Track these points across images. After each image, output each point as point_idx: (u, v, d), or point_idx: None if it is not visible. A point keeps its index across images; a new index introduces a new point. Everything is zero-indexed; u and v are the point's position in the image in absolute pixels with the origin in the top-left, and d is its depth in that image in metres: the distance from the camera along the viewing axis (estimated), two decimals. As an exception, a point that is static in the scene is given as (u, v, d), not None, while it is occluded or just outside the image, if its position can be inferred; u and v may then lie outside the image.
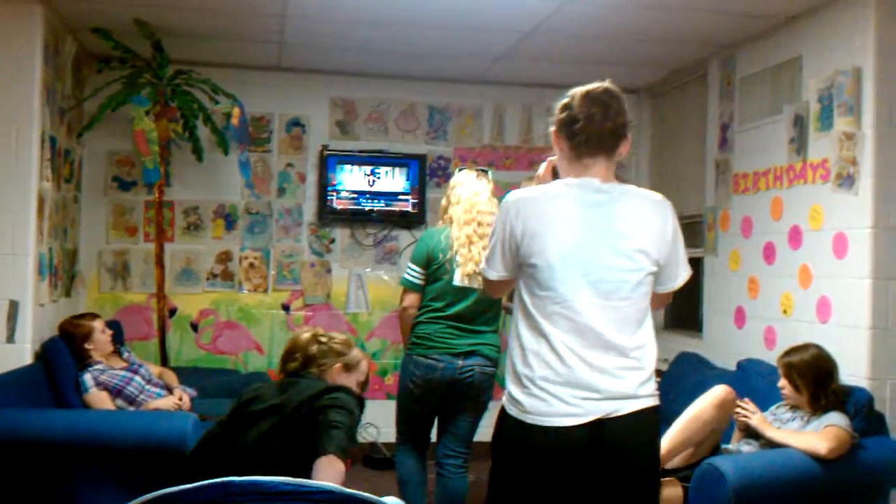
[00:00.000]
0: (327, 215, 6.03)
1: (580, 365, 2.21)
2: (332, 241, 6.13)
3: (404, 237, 6.18)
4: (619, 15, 4.65)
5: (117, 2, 4.57)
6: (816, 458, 3.53)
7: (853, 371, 4.01)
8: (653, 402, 2.30)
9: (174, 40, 5.07)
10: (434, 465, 4.04)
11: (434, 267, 3.88)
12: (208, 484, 1.76)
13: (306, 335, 3.01)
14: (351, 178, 6.02)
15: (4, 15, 4.44)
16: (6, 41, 4.45)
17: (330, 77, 6.08)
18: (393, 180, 6.08)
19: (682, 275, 2.44)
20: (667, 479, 3.66)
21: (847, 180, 4.21)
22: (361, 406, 2.79)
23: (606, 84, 2.37)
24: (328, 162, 5.99)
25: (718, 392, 3.83)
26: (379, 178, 6.06)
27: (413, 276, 3.94)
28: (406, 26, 4.91)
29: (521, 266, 2.30)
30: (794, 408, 3.88)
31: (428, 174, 6.17)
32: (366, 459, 5.87)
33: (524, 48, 5.27)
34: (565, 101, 2.37)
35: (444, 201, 4.02)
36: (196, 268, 5.92)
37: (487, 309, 3.91)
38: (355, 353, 3.06)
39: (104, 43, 4.99)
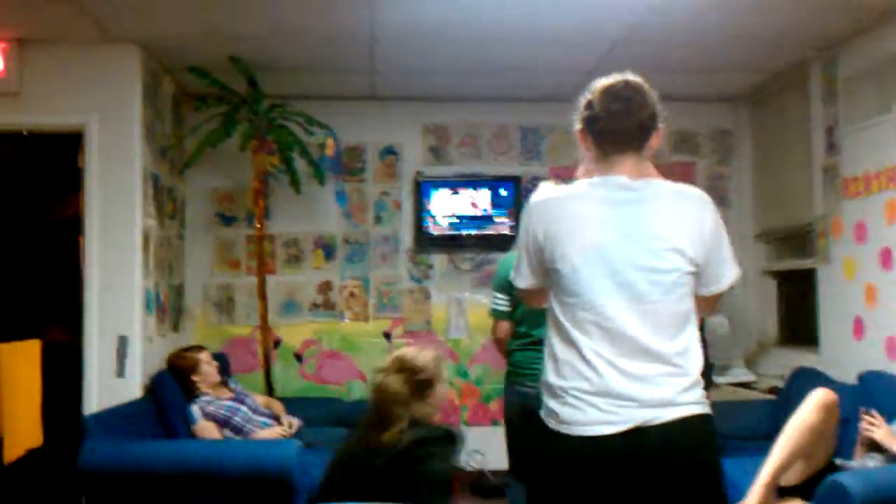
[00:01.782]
0: (425, 241, 6.04)
1: (613, 374, 2.06)
2: (431, 266, 6.12)
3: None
4: (710, 19, 4.53)
5: (212, 40, 4.70)
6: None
7: None
8: (699, 409, 2.12)
9: (268, 75, 5.17)
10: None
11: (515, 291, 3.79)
12: None
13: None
14: (446, 204, 6.02)
15: (105, 57, 4.62)
16: (107, 82, 4.62)
17: (421, 103, 6.11)
18: (488, 203, 6.04)
19: (728, 276, 2.24)
20: (787, 498, 3.49)
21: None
22: (452, 439, 2.73)
23: (627, 77, 2.22)
24: (423, 188, 6.00)
25: (818, 395, 3.62)
26: (474, 201, 6.03)
27: (499, 304, 3.86)
28: (493, 42, 4.89)
29: (548, 272, 2.18)
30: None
31: (523, 195, 6.11)
32: (474, 487, 5.78)
33: (613, 60, 5.15)
34: (587, 97, 2.23)
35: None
36: (298, 298, 5.99)
37: None
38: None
39: (201, 81, 5.13)
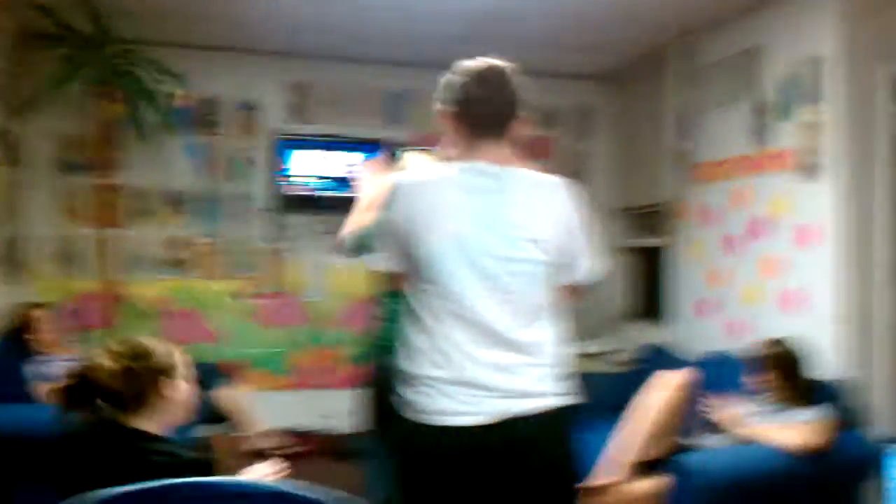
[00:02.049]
0: (281, 201, 5.89)
1: (467, 364, 2.05)
2: (286, 227, 5.98)
3: (360, 224, 6.06)
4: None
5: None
6: (791, 451, 3.51)
7: (825, 363, 3.99)
8: (559, 400, 2.13)
9: (122, 18, 4.84)
10: None
11: None
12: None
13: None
14: (305, 164, 5.88)
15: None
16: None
17: (283, 59, 5.91)
18: (348, 166, 5.95)
19: (586, 267, 2.24)
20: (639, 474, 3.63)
21: (810, 169, 4.20)
22: None
23: (492, 60, 2.20)
24: (281, 146, 5.84)
25: (678, 376, 3.81)
26: (333, 164, 5.93)
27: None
28: (362, 3, 4.80)
29: (407, 258, 2.13)
30: (768, 401, 3.85)
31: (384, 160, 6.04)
32: (327, 451, 5.71)
33: (479, 32, 5.17)
34: (451, 79, 2.18)
35: None
36: (146, 254, 5.74)
37: None
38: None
39: (45, 20, 4.77)
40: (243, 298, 5.93)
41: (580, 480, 2.59)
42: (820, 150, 4.13)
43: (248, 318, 5.93)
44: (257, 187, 5.93)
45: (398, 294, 3.55)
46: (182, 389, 2.28)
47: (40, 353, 4.33)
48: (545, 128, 6.39)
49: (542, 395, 2.10)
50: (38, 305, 4.54)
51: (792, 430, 3.59)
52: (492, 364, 2.06)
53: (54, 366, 4.28)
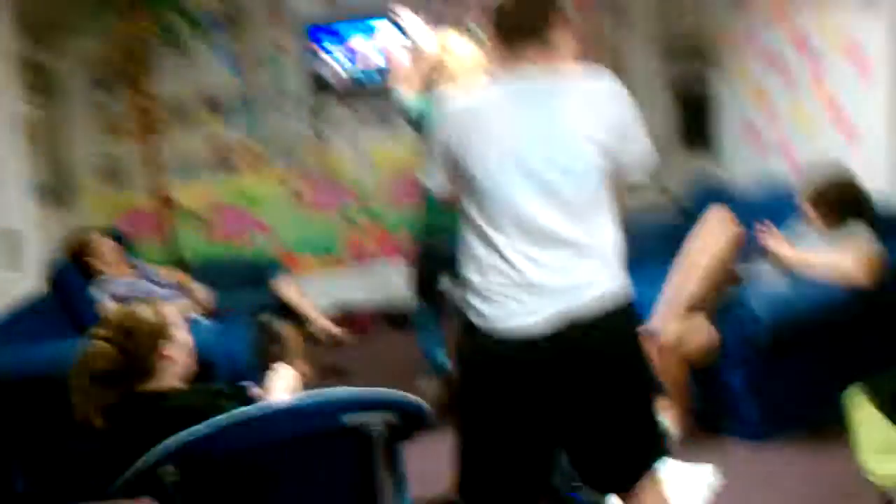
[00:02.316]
0: (322, 88, 5.78)
1: (531, 267, 2.10)
2: (325, 114, 5.92)
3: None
4: None
5: None
6: (845, 278, 3.47)
7: (875, 185, 3.87)
8: (618, 291, 2.16)
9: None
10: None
11: None
12: None
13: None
14: (338, 49, 5.72)
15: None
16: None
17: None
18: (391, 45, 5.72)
19: (643, 165, 2.24)
20: (690, 315, 3.63)
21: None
22: None
23: None
24: (312, 33, 5.70)
25: (717, 217, 3.74)
26: (366, 45, 5.73)
27: None
28: None
29: (463, 177, 2.17)
30: (820, 229, 3.76)
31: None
32: (389, 320, 5.87)
33: None
34: None
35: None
36: (191, 159, 5.80)
37: None
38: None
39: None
40: (290, 187, 5.96)
41: (652, 377, 2.65)
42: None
43: (298, 205, 5.98)
44: (292, 79, 5.86)
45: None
46: (180, 341, 2.36)
47: (103, 275, 4.43)
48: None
49: (606, 291, 2.14)
50: (92, 230, 4.62)
51: (843, 257, 3.52)
52: (553, 266, 2.11)
53: (118, 285, 4.40)
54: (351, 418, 2.07)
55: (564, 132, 2.10)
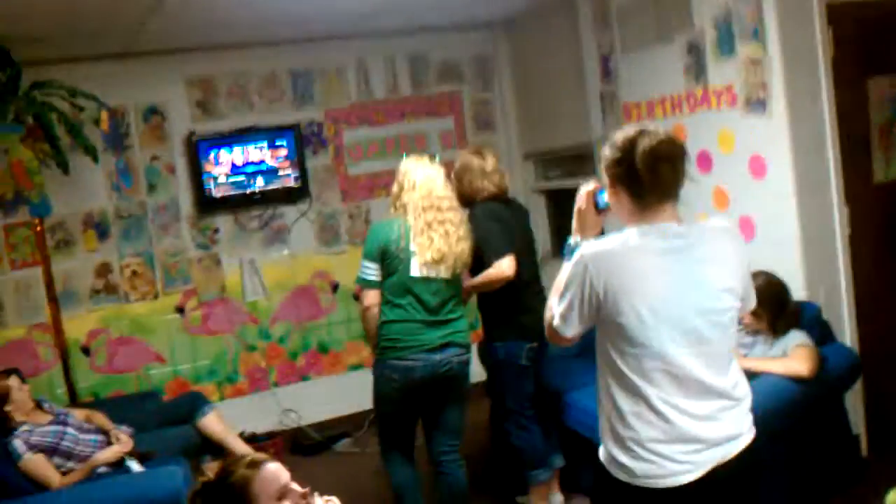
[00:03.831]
0: (207, 205, 5.63)
1: (682, 418, 2.13)
2: (217, 230, 5.74)
3: (291, 213, 5.90)
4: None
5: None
6: (799, 379, 3.74)
7: (790, 285, 4.23)
8: (752, 435, 2.27)
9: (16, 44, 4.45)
10: (430, 464, 3.96)
11: (389, 260, 3.72)
12: None
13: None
14: (225, 162, 5.62)
15: None
16: None
17: (181, 55, 5.56)
18: (269, 156, 5.73)
19: (754, 299, 2.39)
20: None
21: (758, 104, 4.38)
22: None
23: (665, 134, 2.20)
24: (198, 148, 5.55)
25: None
26: (254, 157, 5.69)
27: (369, 274, 3.75)
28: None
29: (606, 324, 2.18)
30: (755, 332, 4.05)
31: (304, 143, 5.87)
32: (294, 446, 5.68)
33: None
34: (622, 149, 2.18)
35: (394, 188, 3.83)
36: (75, 287, 5.38)
37: (452, 295, 3.81)
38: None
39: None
40: (185, 312, 5.68)
41: None
42: (768, 84, 4.29)
43: (193, 331, 5.70)
44: (181, 195, 5.64)
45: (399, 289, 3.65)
46: None
47: (22, 424, 4.01)
48: (451, 83, 6.37)
49: (745, 433, 2.23)
50: (7, 373, 4.19)
51: (797, 359, 3.82)
52: (702, 415, 2.14)
53: (42, 434, 4.00)
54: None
55: (706, 280, 2.18)
